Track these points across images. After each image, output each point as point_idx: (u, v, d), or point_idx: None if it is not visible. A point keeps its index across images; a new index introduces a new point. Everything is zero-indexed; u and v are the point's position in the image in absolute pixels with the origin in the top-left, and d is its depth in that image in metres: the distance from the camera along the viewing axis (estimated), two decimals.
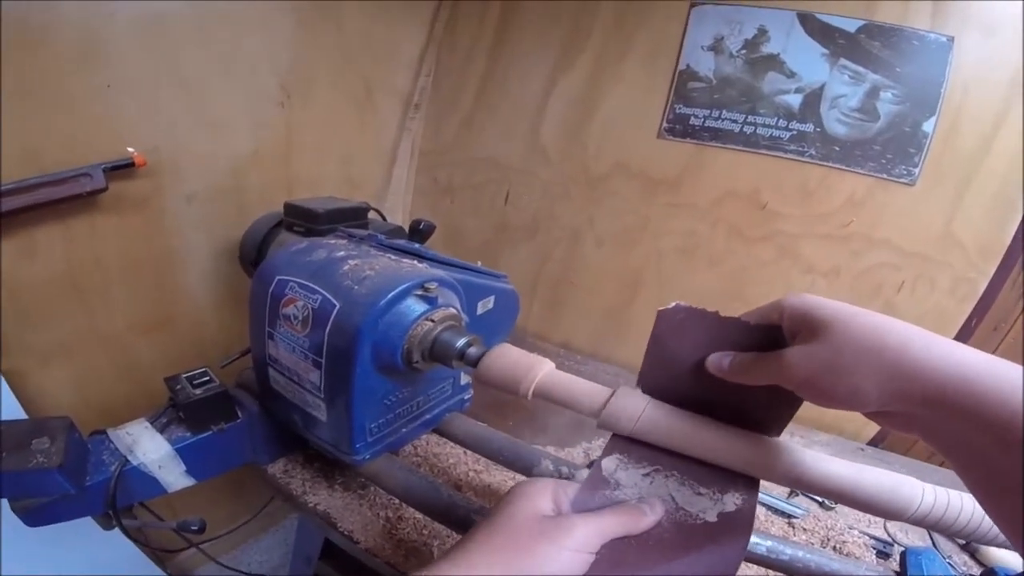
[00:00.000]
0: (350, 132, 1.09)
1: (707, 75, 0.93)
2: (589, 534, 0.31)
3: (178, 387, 0.55)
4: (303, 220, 0.74)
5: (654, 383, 0.39)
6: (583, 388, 0.41)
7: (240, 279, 0.86)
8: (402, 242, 0.60)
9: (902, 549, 0.51)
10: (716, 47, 0.91)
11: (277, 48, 0.91)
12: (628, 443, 0.38)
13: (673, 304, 0.35)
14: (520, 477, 0.61)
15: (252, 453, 0.63)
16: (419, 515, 0.59)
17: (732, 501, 0.34)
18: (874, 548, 0.61)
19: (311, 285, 0.49)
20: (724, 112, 0.92)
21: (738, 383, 0.34)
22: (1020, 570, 0.51)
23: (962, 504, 0.35)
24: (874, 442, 0.89)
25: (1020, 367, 0.24)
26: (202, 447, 0.56)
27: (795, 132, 0.88)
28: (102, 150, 0.71)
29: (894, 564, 0.56)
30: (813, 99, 0.86)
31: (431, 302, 0.48)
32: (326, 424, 0.51)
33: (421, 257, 0.56)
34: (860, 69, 0.83)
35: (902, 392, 0.26)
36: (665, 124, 0.97)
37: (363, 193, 1.14)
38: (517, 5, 1.08)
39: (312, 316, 0.48)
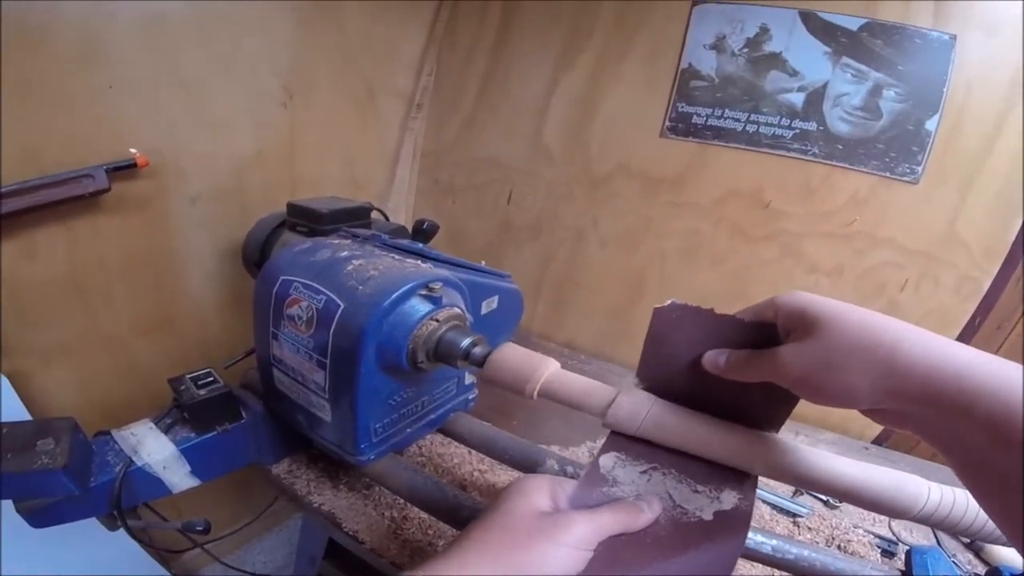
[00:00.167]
0: (352, 132, 1.09)
1: (709, 74, 0.92)
2: (587, 531, 0.31)
3: (182, 388, 0.55)
4: (306, 220, 0.74)
5: (651, 380, 0.39)
6: (588, 388, 0.41)
7: (243, 280, 0.86)
8: (406, 242, 0.59)
9: (907, 548, 0.51)
10: (718, 46, 0.91)
11: (278, 48, 0.91)
12: (627, 441, 0.39)
13: (669, 302, 0.36)
14: None
15: (256, 453, 0.63)
16: (424, 515, 0.59)
17: (730, 499, 0.35)
18: (879, 547, 0.61)
19: (315, 285, 0.49)
20: (726, 111, 0.92)
21: (734, 380, 0.34)
22: (1022, 569, 0.51)
23: (967, 502, 0.35)
24: (878, 441, 0.89)
25: (1014, 364, 0.24)
26: (206, 448, 0.56)
27: (798, 131, 0.88)
28: (103, 151, 0.71)
29: (899, 563, 0.56)
30: (816, 97, 0.86)
31: (435, 302, 0.48)
32: (330, 424, 0.51)
33: (425, 257, 0.56)
34: (862, 67, 0.83)
35: (895, 389, 0.26)
36: (667, 123, 0.97)
37: (366, 194, 1.14)
38: (518, 5, 1.08)
39: (316, 316, 0.48)
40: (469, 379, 0.63)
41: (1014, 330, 0.84)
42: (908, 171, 0.83)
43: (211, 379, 0.57)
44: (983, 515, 0.34)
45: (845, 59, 0.83)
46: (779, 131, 0.89)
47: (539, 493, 0.34)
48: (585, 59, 1.03)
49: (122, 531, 0.52)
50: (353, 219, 0.75)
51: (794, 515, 0.65)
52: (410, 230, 0.80)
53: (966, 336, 0.84)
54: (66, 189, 0.67)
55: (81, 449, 0.48)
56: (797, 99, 0.87)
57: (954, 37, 0.78)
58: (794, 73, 0.87)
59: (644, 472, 0.37)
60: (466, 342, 0.46)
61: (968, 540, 0.61)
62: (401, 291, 0.46)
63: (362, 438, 0.50)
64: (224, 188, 0.89)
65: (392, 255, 0.55)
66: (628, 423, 0.38)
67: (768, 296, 0.33)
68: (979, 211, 0.80)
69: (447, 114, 1.19)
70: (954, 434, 0.25)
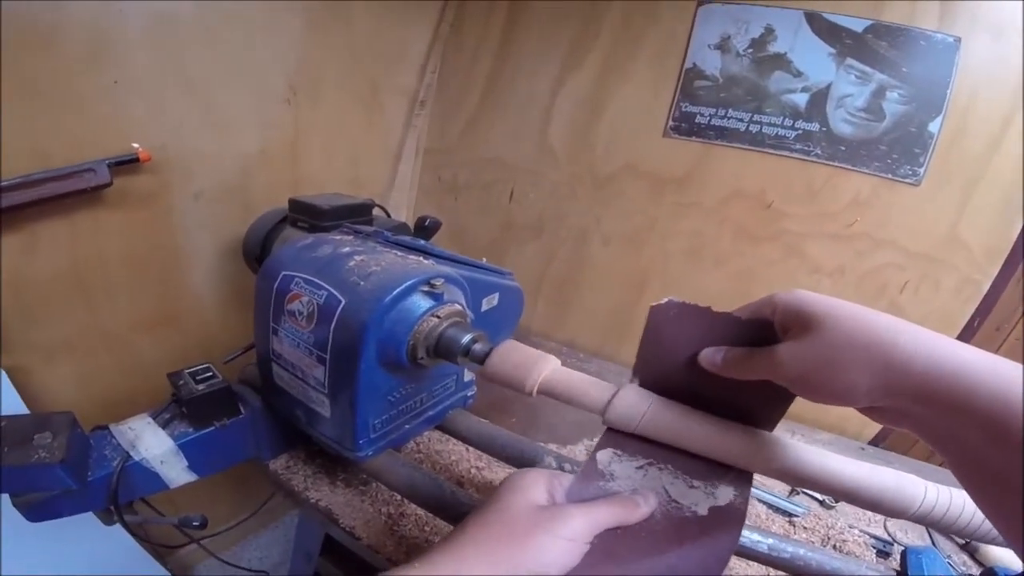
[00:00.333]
0: (357, 131, 1.09)
1: (713, 74, 0.92)
2: (583, 524, 0.31)
3: (181, 382, 0.55)
4: (307, 216, 0.74)
5: (648, 377, 0.40)
6: (588, 385, 0.41)
7: (244, 278, 0.86)
8: (408, 239, 0.59)
9: (902, 548, 0.51)
10: (723, 46, 0.91)
11: (284, 49, 0.91)
12: (624, 437, 0.39)
13: (666, 300, 0.36)
14: None
15: (254, 449, 0.63)
16: (421, 511, 0.59)
17: (725, 495, 0.35)
18: (874, 547, 0.61)
19: (317, 281, 0.49)
20: (730, 111, 0.92)
21: (731, 378, 0.34)
22: (1019, 570, 0.51)
23: (964, 502, 0.35)
24: (875, 441, 0.89)
25: (1012, 362, 0.24)
26: (204, 443, 0.56)
27: (801, 131, 0.88)
28: (110, 149, 0.71)
29: (894, 563, 0.56)
30: (819, 98, 0.86)
31: (437, 298, 0.48)
32: (329, 420, 0.51)
33: (427, 253, 0.55)
34: (867, 69, 0.83)
35: (892, 387, 0.26)
36: (671, 122, 0.97)
37: (368, 191, 1.14)
38: (524, 5, 1.08)
39: (317, 312, 0.47)
40: (468, 376, 0.63)
41: (1013, 332, 0.84)
42: (910, 173, 0.83)
43: (210, 374, 0.57)
44: (979, 515, 0.34)
45: (849, 60, 0.83)
46: (782, 131, 0.89)
47: (536, 487, 0.34)
48: (592, 59, 1.02)
49: (119, 526, 0.52)
50: (355, 215, 0.75)
51: (790, 515, 0.65)
52: (411, 227, 0.80)
53: (965, 338, 0.84)
54: (67, 183, 0.67)
55: (79, 443, 0.48)
56: (801, 100, 0.87)
57: (959, 39, 0.78)
58: (798, 74, 0.87)
59: (640, 467, 0.37)
60: (467, 339, 0.46)
61: (963, 541, 0.61)
62: (403, 287, 0.46)
63: (361, 434, 0.50)
64: (227, 186, 0.89)
65: (394, 251, 0.55)
66: (628, 420, 0.38)
67: None
68: (981, 214, 0.80)
69: (451, 112, 1.19)
70: (951, 432, 0.25)
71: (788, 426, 0.85)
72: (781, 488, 0.69)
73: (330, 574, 0.76)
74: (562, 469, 0.56)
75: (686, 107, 0.95)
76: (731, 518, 0.33)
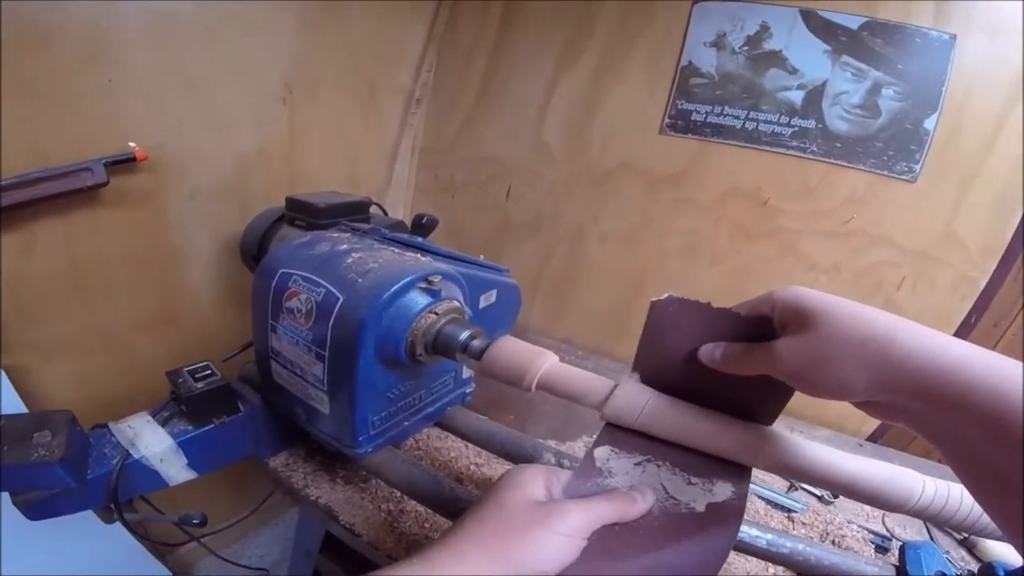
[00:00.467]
0: (354, 131, 1.09)
1: (709, 71, 0.93)
2: (581, 519, 0.32)
3: (180, 380, 0.55)
4: (304, 215, 0.74)
5: (647, 372, 0.40)
6: (586, 380, 0.41)
7: (242, 276, 0.86)
8: (405, 236, 0.59)
9: (900, 543, 0.51)
10: (718, 43, 0.91)
11: (282, 49, 0.91)
12: (621, 433, 0.39)
13: (666, 295, 0.36)
14: None
15: (254, 447, 0.63)
16: (421, 508, 0.60)
17: (723, 491, 0.35)
18: (873, 543, 0.61)
19: (315, 278, 0.49)
20: (726, 108, 0.92)
21: (730, 373, 0.34)
22: (1017, 565, 0.51)
23: (961, 497, 0.35)
24: (873, 438, 0.89)
25: (1010, 359, 0.24)
26: (204, 440, 0.56)
27: (797, 128, 0.88)
28: (108, 148, 0.71)
29: (893, 558, 0.56)
30: (815, 95, 0.86)
31: (435, 295, 0.48)
32: (328, 417, 0.52)
33: (424, 251, 0.56)
34: (862, 66, 0.83)
35: (889, 383, 0.26)
36: (667, 120, 0.97)
37: (365, 190, 1.14)
38: (519, 5, 1.08)
39: (315, 309, 0.48)
40: (467, 373, 0.63)
41: (1010, 328, 0.85)
42: (906, 170, 0.83)
43: (209, 372, 0.57)
44: (977, 509, 0.35)
45: (845, 58, 0.84)
46: (778, 129, 0.89)
47: (533, 483, 0.34)
48: (587, 58, 1.02)
49: (118, 524, 0.52)
50: (352, 213, 0.75)
51: (789, 510, 0.66)
52: (408, 225, 0.80)
53: (962, 334, 0.84)
54: (64, 183, 0.67)
55: (78, 442, 0.48)
56: (796, 97, 0.88)
57: (954, 37, 0.78)
58: (794, 71, 0.87)
59: (638, 463, 0.37)
60: (465, 335, 0.46)
61: (962, 536, 0.62)
62: (401, 284, 0.46)
63: (360, 431, 0.50)
64: (224, 184, 0.89)
65: (392, 248, 0.55)
66: (626, 415, 0.38)
67: None
68: (976, 210, 0.81)
69: (447, 111, 1.19)
70: (948, 428, 0.25)
71: (788, 423, 0.85)
72: (780, 484, 0.69)
73: (330, 571, 0.76)
74: (561, 465, 0.56)
75: (682, 104, 0.95)
76: (729, 514, 0.33)
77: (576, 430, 0.79)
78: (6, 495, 0.47)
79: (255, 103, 0.90)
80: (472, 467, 0.68)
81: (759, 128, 0.90)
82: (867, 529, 0.63)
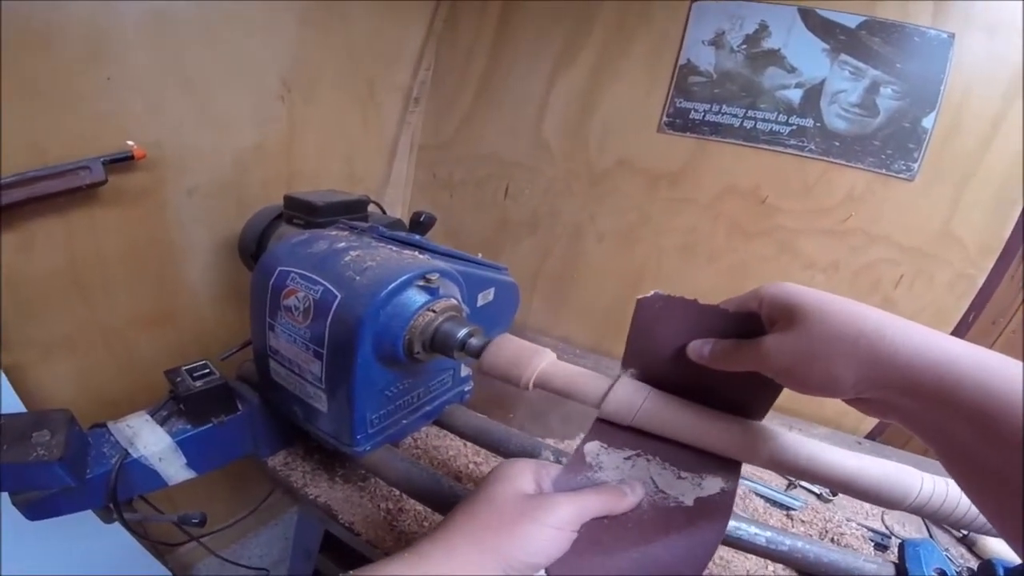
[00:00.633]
0: (352, 129, 1.09)
1: (707, 70, 0.93)
2: (570, 512, 0.32)
3: (178, 379, 0.55)
4: (303, 213, 0.74)
5: (637, 369, 0.40)
6: (584, 378, 0.41)
7: (240, 274, 0.86)
8: (403, 234, 0.59)
9: (900, 541, 0.51)
10: (717, 42, 0.91)
11: (282, 47, 0.91)
12: (612, 429, 0.39)
13: (652, 292, 0.36)
14: None
15: (252, 445, 0.63)
16: (420, 507, 0.60)
17: (712, 486, 0.35)
18: (872, 540, 0.61)
19: (313, 276, 0.49)
20: (724, 106, 0.92)
21: (718, 370, 0.34)
22: (1017, 562, 0.51)
23: (960, 494, 0.35)
24: (872, 435, 0.89)
25: (998, 355, 0.24)
26: (202, 439, 0.56)
27: (795, 127, 0.88)
28: (107, 146, 0.71)
29: (892, 556, 0.56)
30: (813, 94, 0.86)
31: (432, 293, 0.48)
32: (327, 415, 0.52)
33: (422, 249, 0.56)
34: (860, 65, 0.83)
35: (878, 379, 0.26)
36: (665, 118, 0.97)
37: (363, 188, 1.14)
38: (518, 4, 1.08)
39: (313, 307, 0.48)
40: (465, 371, 0.63)
41: (1008, 325, 0.85)
42: (904, 168, 0.83)
43: (207, 371, 0.57)
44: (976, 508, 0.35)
45: (843, 56, 0.84)
46: (776, 127, 0.89)
47: (523, 476, 0.34)
48: (586, 56, 1.02)
49: (118, 524, 0.52)
50: (350, 212, 0.75)
51: (788, 508, 0.66)
52: (407, 223, 0.80)
53: (960, 332, 0.84)
54: (63, 181, 0.67)
55: (77, 441, 0.48)
56: (795, 95, 0.88)
57: (953, 36, 0.78)
58: (792, 70, 0.87)
59: (628, 458, 0.37)
60: (462, 333, 0.46)
61: (961, 534, 0.62)
62: (398, 281, 0.46)
63: (358, 429, 0.50)
64: (222, 182, 0.89)
65: (390, 246, 0.55)
66: (624, 413, 0.38)
67: None
68: (974, 209, 0.81)
69: (446, 109, 1.19)
70: (938, 425, 0.25)
71: (785, 420, 0.85)
72: (779, 482, 0.69)
73: (330, 571, 0.76)
74: (559, 463, 0.56)
75: (680, 103, 0.95)
76: (718, 509, 0.34)
77: (574, 429, 0.79)
78: (5, 495, 0.47)
79: (254, 101, 0.90)
80: (471, 465, 0.68)
81: (757, 126, 0.90)
82: (866, 527, 0.63)
